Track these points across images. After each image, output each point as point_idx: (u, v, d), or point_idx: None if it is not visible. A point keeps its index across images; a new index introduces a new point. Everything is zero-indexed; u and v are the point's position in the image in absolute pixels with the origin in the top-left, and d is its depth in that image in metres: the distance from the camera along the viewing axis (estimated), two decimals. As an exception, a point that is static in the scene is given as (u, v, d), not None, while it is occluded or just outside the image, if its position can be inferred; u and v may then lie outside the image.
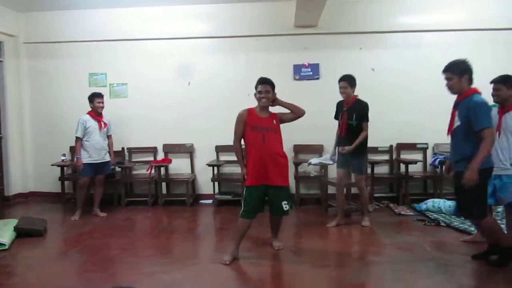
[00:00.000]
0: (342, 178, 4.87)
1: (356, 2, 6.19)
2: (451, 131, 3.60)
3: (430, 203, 5.43)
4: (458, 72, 3.57)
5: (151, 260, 4.10)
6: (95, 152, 5.41)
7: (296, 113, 3.96)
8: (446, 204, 5.27)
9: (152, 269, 3.74)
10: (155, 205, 6.06)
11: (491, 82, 3.81)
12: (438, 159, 5.89)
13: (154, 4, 6.34)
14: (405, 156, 6.23)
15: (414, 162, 5.94)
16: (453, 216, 5.07)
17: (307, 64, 6.25)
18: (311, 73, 6.22)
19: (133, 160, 6.52)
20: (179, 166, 6.43)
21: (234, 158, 6.41)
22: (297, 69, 6.23)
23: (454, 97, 6.27)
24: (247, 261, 3.85)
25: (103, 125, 5.46)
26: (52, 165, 6.20)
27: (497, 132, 3.67)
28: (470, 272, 3.53)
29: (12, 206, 6.25)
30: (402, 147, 6.26)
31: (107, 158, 5.59)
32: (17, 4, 6.35)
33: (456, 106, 3.61)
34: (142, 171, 6.32)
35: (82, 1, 6.24)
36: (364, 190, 4.92)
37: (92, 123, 5.38)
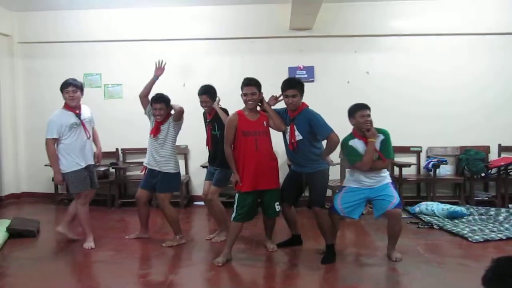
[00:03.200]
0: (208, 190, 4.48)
1: (351, 5, 6.21)
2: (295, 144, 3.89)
3: (424, 206, 5.45)
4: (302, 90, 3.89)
5: (144, 261, 4.10)
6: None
7: (275, 126, 3.92)
8: (440, 207, 5.29)
9: (145, 270, 3.73)
10: (149, 206, 6.03)
11: None
12: (432, 162, 5.92)
13: (149, 6, 6.34)
14: (398, 159, 6.25)
15: (408, 165, 5.96)
16: (446, 219, 5.09)
17: (302, 66, 6.27)
18: (306, 75, 6.22)
19: (127, 161, 6.50)
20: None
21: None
22: (292, 71, 6.25)
23: (449, 101, 6.34)
24: (241, 262, 3.85)
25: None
26: (45, 165, 6.16)
27: None
28: (463, 275, 3.54)
29: (5, 206, 6.21)
30: (396, 150, 6.23)
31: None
32: (11, 3, 6.32)
33: (292, 121, 3.90)
34: (136, 172, 6.29)
35: (78, 1, 6.23)
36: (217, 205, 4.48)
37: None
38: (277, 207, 3.94)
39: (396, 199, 3.71)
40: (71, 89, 4.25)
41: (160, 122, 4.30)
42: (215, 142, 4.32)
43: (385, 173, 3.86)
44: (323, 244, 3.97)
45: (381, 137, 3.77)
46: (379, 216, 3.77)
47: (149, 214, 4.62)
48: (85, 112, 4.40)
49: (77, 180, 4.25)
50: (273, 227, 4.19)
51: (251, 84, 3.81)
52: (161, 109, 4.22)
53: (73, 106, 4.26)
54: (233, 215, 3.81)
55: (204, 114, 4.53)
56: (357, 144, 3.78)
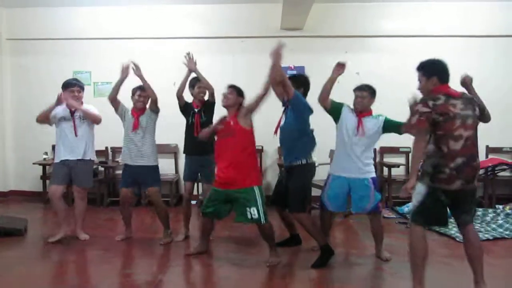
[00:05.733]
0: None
1: (342, 6, 6.24)
2: None
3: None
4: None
5: (133, 260, 4.08)
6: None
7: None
8: (428, 207, 5.33)
9: (134, 270, 3.71)
10: (138, 205, 6.01)
11: None
12: (421, 163, 5.95)
13: (140, 4, 6.32)
14: (388, 159, 6.30)
15: (397, 165, 6.01)
16: (434, 219, 5.13)
17: (292, 66, 6.28)
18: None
19: (117, 159, 6.46)
20: (163, 166, 6.34)
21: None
22: (283, 71, 6.23)
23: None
24: (230, 262, 3.85)
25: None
26: (33, 163, 6.12)
27: None
28: (451, 274, 3.58)
29: (-8, 205, 6.14)
30: (385, 150, 6.33)
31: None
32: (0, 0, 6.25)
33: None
34: (126, 171, 6.26)
35: (67, -1, 6.19)
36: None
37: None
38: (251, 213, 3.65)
39: (371, 203, 3.72)
40: (76, 89, 4.41)
41: (138, 113, 4.32)
42: (204, 127, 4.30)
43: (368, 164, 3.83)
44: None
45: (381, 118, 3.89)
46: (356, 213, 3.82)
47: (131, 213, 4.61)
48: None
49: (53, 173, 4.49)
50: (268, 236, 3.84)
51: (230, 87, 3.91)
52: (145, 97, 4.32)
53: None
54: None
55: (187, 105, 4.49)
56: (348, 114, 3.85)
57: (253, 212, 3.60)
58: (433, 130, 2.86)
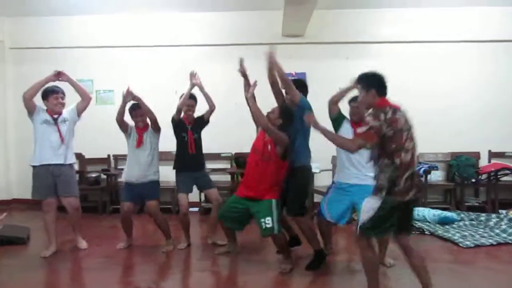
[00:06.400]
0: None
1: (343, 12, 6.27)
2: None
3: (415, 211, 5.47)
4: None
5: (135, 268, 4.08)
6: None
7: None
8: (431, 212, 5.32)
9: (136, 277, 3.71)
10: (140, 213, 5.98)
11: None
12: (423, 168, 5.94)
13: (141, 12, 6.35)
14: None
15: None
16: (437, 225, 5.12)
17: (294, 73, 6.28)
18: (297, 82, 6.25)
19: (119, 167, 6.46)
20: (165, 173, 6.32)
21: (220, 166, 6.47)
22: (286, 76, 6.25)
23: (441, 107, 6.38)
24: (233, 268, 3.84)
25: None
26: (36, 172, 6.12)
27: None
28: (454, 280, 3.56)
29: (-5, 213, 6.14)
30: (387, 156, 6.31)
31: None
32: (3, 8, 6.30)
33: None
34: (128, 178, 6.27)
35: (70, 8, 6.21)
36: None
37: None
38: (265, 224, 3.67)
39: None
40: (60, 95, 4.32)
41: (142, 130, 4.41)
42: (197, 145, 4.48)
43: (370, 172, 3.79)
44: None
45: None
46: None
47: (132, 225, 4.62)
48: (64, 112, 4.38)
49: (36, 184, 4.28)
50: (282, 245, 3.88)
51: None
52: (142, 115, 4.40)
53: (57, 112, 4.30)
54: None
55: (180, 121, 4.50)
56: (346, 126, 3.89)
57: (267, 221, 3.64)
58: (384, 144, 2.87)
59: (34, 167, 4.29)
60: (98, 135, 6.22)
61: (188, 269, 3.98)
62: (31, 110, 4.25)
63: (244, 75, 4.09)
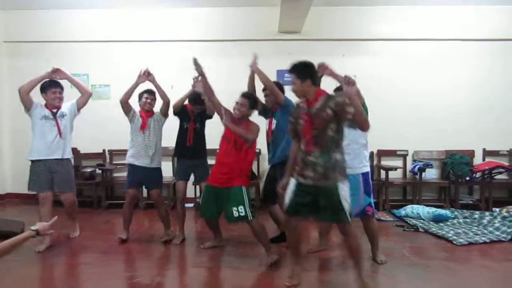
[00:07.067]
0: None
1: (339, 10, 6.27)
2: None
3: (409, 209, 5.51)
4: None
5: (131, 263, 4.08)
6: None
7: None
8: (425, 210, 5.35)
9: (132, 273, 3.71)
10: (136, 208, 5.98)
11: None
12: (418, 166, 5.98)
13: (137, 7, 6.33)
14: (385, 162, 6.31)
15: (394, 168, 6.03)
16: (431, 222, 5.15)
17: (290, 70, 6.29)
18: (294, 78, 6.24)
19: (114, 162, 6.45)
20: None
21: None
22: (281, 74, 6.25)
23: (436, 105, 6.41)
24: (228, 265, 3.85)
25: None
26: (30, 166, 6.10)
27: None
28: (447, 277, 3.59)
29: (-12, 207, 6.12)
30: (382, 153, 6.34)
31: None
32: (-3, 2, 6.25)
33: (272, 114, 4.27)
34: (124, 173, 6.24)
35: (66, 1, 6.18)
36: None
37: None
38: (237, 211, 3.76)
39: (359, 206, 3.61)
40: (59, 90, 4.36)
41: (147, 114, 4.47)
42: (196, 135, 4.50)
43: (354, 158, 3.68)
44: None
45: None
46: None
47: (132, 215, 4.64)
48: (63, 107, 4.42)
49: (33, 177, 4.33)
50: (259, 235, 3.87)
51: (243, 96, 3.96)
52: (153, 100, 4.50)
53: (56, 106, 4.34)
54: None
55: (183, 108, 4.55)
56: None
57: (240, 210, 3.74)
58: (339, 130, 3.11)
59: (32, 161, 4.33)
60: (94, 130, 6.20)
61: (185, 265, 3.98)
62: (27, 105, 4.29)
63: (201, 73, 4.14)
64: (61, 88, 4.41)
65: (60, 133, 4.31)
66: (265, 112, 4.34)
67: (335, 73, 3.54)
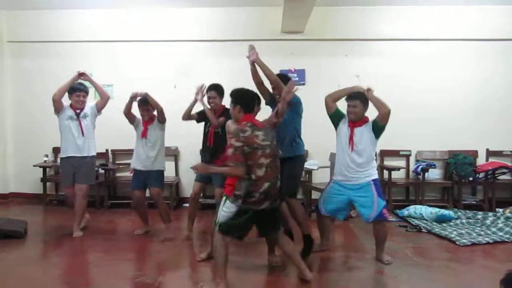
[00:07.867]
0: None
1: (342, 10, 6.26)
2: None
3: (412, 209, 5.50)
4: None
5: (133, 263, 4.08)
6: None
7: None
8: (428, 210, 5.34)
9: (134, 272, 3.71)
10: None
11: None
12: (421, 166, 5.97)
13: (141, 7, 6.33)
14: (388, 162, 6.30)
15: (397, 168, 6.01)
16: (434, 223, 5.14)
17: (293, 69, 6.29)
18: (297, 78, 6.22)
19: (117, 162, 6.47)
20: (163, 169, 6.40)
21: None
22: (273, 74, 6.24)
23: (439, 105, 6.39)
24: (229, 265, 3.84)
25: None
26: (34, 166, 6.12)
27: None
28: (451, 278, 3.58)
29: (-8, 207, 6.14)
30: (385, 153, 6.33)
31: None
32: (1, 2, 6.27)
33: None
34: (126, 173, 6.25)
35: (68, 2, 6.20)
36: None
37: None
38: None
39: (375, 211, 3.68)
40: (82, 94, 4.79)
41: (147, 123, 4.68)
42: (217, 139, 4.42)
43: (368, 169, 3.82)
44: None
45: (371, 122, 3.87)
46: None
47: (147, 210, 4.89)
48: (86, 108, 4.84)
49: (62, 174, 4.89)
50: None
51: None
52: (148, 110, 4.66)
53: (78, 107, 4.76)
54: None
55: (201, 113, 4.57)
56: (343, 128, 3.92)
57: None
58: (244, 160, 3.14)
59: (61, 158, 4.82)
60: (97, 130, 6.16)
61: (187, 265, 3.98)
62: (58, 109, 4.70)
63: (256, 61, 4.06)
64: (86, 92, 4.83)
65: (82, 132, 4.71)
66: (273, 102, 4.18)
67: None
